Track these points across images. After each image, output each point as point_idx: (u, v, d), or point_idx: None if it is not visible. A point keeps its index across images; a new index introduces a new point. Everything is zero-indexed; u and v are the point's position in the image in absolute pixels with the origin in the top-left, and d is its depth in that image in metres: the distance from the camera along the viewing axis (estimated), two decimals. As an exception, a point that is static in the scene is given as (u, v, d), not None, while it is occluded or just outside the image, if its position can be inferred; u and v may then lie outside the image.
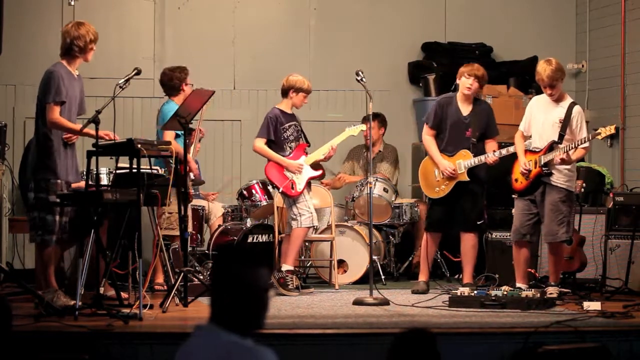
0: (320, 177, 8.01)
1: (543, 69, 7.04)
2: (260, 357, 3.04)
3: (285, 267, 7.58)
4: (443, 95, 7.95)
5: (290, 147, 7.76)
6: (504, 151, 7.53)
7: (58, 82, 6.39)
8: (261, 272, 3.08)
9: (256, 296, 3.07)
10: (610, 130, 6.93)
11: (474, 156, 7.55)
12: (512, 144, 7.41)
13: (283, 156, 7.71)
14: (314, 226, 7.74)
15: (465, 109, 7.67)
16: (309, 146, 7.91)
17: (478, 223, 7.71)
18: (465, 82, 7.60)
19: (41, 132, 6.48)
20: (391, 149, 9.26)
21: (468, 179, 7.56)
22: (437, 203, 7.73)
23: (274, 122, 7.70)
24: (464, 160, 7.56)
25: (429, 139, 7.76)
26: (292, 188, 7.63)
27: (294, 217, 7.63)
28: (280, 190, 7.67)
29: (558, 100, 7.14)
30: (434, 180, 7.71)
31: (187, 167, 6.97)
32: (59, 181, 6.44)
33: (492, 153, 7.53)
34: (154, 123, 8.15)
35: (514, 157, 7.32)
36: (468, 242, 7.69)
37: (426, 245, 7.72)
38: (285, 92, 7.79)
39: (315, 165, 7.82)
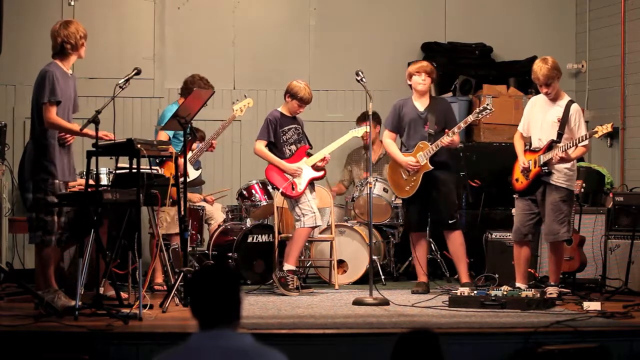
0: (321, 178, 7.99)
1: (539, 68, 7.03)
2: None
3: (287, 266, 7.58)
4: (399, 99, 7.99)
5: (290, 150, 7.75)
6: (455, 129, 7.59)
7: (53, 81, 6.36)
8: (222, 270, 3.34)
9: (228, 288, 3.26)
10: (607, 128, 6.92)
11: (432, 144, 7.60)
12: (512, 144, 7.41)
13: (282, 159, 7.70)
14: (317, 226, 7.75)
15: (422, 105, 7.77)
16: (311, 148, 7.90)
17: (450, 222, 7.70)
18: (417, 79, 7.74)
19: (37, 132, 6.46)
20: None
21: (432, 167, 7.60)
22: (411, 202, 7.79)
23: (273, 124, 7.69)
24: (424, 151, 7.62)
25: (388, 142, 7.88)
26: (293, 189, 7.63)
27: (297, 218, 7.62)
28: (280, 191, 7.66)
29: (555, 99, 7.14)
30: (402, 181, 7.77)
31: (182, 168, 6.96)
32: (56, 181, 6.42)
33: (444, 135, 7.56)
34: (154, 123, 8.16)
35: (514, 157, 7.32)
36: (454, 240, 7.71)
37: (414, 247, 7.76)
38: (284, 95, 7.79)
39: (317, 167, 7.82)
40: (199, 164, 8.16)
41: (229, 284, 3.26)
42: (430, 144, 7.61)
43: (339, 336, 5.68)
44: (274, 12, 9.97)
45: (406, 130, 7.78)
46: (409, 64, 8.24)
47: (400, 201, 8.73)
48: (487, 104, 7.60)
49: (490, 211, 8.75)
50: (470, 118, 7.63)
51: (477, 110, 7.61)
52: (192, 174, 7.93)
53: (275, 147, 7.72)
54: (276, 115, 7.74)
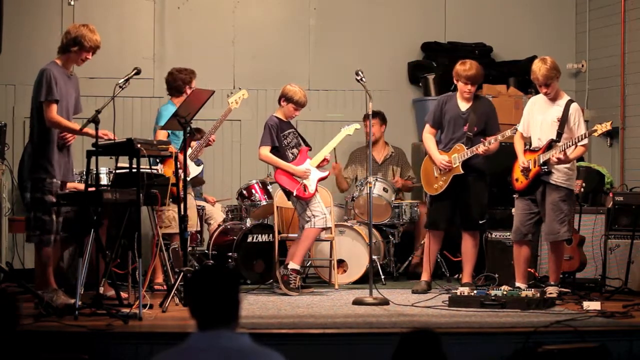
0: (326, 178, 7.98)
1: (538, 68, 7.04)
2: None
3: (292, 265, 7.57)
4: (444, 94, 7.99)
5: (293, 154, 7.74)
6: (492, 139, 7.55)
7: (50, 80, 6.38)
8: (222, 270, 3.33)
9: (227, 289, 3.26)
10: (606, 126, 6.92)
11: (468, 149, 7.59)
12: (512, 144, 7.41)
13: (286, 162, 7.68)
14: (327, 228, 7.74)
15: (464, 105, 7.73)
16: (310, 150, 7.89)
17: (480, 222, 7.72)
18: (464, 87, 7.67)
19: (36, 132, 6.48)
20: (401, 152, 9.31)
21: (462, 172, 7.58)
22: (437, 200, 7.76)
23: (275, 129, 7.67)
24: (459, 154, 7.60)
25: (428, 137, 7.83)
26: (305, 190, 7.62)
27: (308, 219, 7.58)
28: (294, 194, 7.62)
29: (555, 99, 7.14)
30: (433, 178, 7.76)
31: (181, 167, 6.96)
32: (54, 180, 6.44)
33: (481, 144, 7.55)
34: (154, 123, 8.15)
35: (514, 157, 7.32)
36: (469, 241, 7.71)
37: (429, 244, 7.75)
38: (278, 100, 7.78)
39: (320, 168, 7.82)
40: (200, 161, 8.15)
41: (228, 284, 3.26)
42: (467, 148, 7.59)
43: (339, 336, 5.68)
44: (274, 12, 9.97)
45: (446, 127, 7.75)
46: (454, 63, 7.93)
47: (400, 201, 8.76)
48: None
49: (490, 211, 8.74)
50: (509, 132, 7.49)
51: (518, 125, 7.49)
52: (194, 170, 7.93)
53: (278, 151, 7.71)
54: (275, 121, 7.72)
